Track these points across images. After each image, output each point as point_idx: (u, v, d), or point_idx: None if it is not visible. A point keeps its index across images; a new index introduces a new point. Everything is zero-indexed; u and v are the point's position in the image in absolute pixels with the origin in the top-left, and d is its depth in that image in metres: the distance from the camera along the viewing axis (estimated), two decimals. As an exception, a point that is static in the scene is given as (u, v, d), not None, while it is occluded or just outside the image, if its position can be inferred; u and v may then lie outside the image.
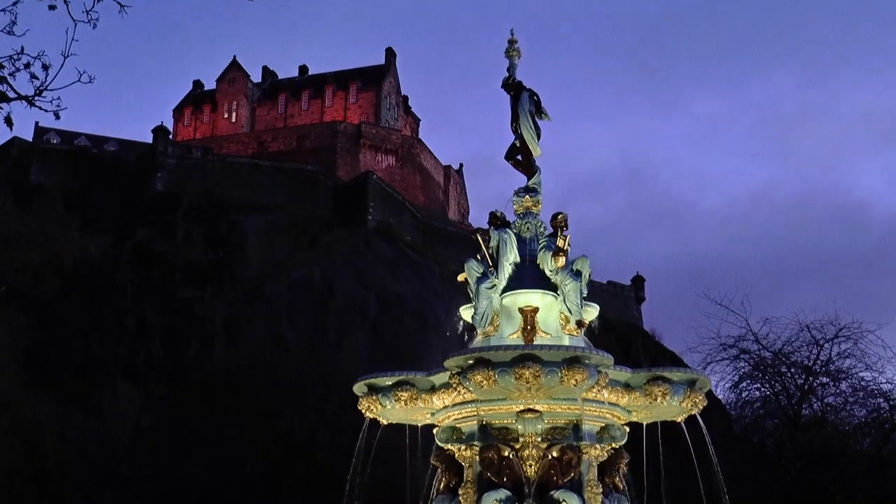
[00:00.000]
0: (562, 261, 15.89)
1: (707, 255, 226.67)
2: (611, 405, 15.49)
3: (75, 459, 48.07)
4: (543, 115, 17.22)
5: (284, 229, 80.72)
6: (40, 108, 10.17)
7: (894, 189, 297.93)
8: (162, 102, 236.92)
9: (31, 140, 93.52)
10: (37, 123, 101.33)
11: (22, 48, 10.02)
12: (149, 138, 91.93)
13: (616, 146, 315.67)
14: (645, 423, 16.54)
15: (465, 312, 16.65)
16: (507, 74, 17.27)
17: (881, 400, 38.85)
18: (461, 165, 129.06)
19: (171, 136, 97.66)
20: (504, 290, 16.05)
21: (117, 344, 64.24)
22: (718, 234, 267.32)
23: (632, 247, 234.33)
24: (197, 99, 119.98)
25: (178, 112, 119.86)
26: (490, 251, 16.32)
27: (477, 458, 15.26)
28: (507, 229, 16.42)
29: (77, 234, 71.89)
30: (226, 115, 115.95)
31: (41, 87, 10.02)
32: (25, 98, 10.10)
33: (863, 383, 38.90)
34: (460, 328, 17.09)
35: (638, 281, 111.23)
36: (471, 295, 16.25)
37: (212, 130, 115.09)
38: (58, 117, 10.36)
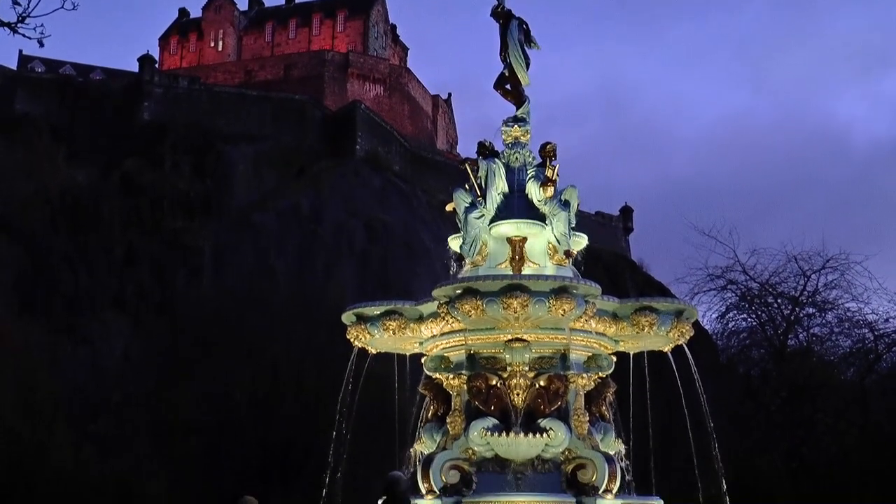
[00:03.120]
0: (550, 191, 15.87)
1: (689, 184, 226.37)
2: (598, 335, 15.58)
3: (66, 388, 48.28)
4: (532, 44, 17.09)
5: (272, 159, 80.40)
6: (23, 36, 10.01)
7: (875, 116, 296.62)
8: (147, 31, 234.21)
9: (14, 69, 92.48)
10: (20, 52, 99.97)
11: (3, -27, 9.85)
12: (135, 67, 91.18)
13: (591, 73, 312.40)
14: (632, 353, 16.66)
15: (454, 242, 16.65)
16: (496, 3, 17.09)
17: (866, 330, 39.13)
18: (449, 95, 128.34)
19: (157, 66, 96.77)
20: (492, 220, 16.04)
21: (106, 274, 64.28)
22: (699, 163, 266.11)
23: (612, 175, 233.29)
24: (183, 27, 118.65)
25: (163, 41, 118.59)
26: (478, 181, 16.27)
27: (465, 386, 15.36)
28: (496, 159, 16.36)
29: (64, 165, 71.50)
30: (212, 44, 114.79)
31: (24, 14, 9.86)
32: (8, 25, 9.94)
33: (848, 314, 39.16)
34: (449, 258, 17.11)
35: (626, 211, 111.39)
36: (459, 225, 16.24)
37: (198, 59, 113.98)
38: (41, 45, 10.21)
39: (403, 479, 13.65)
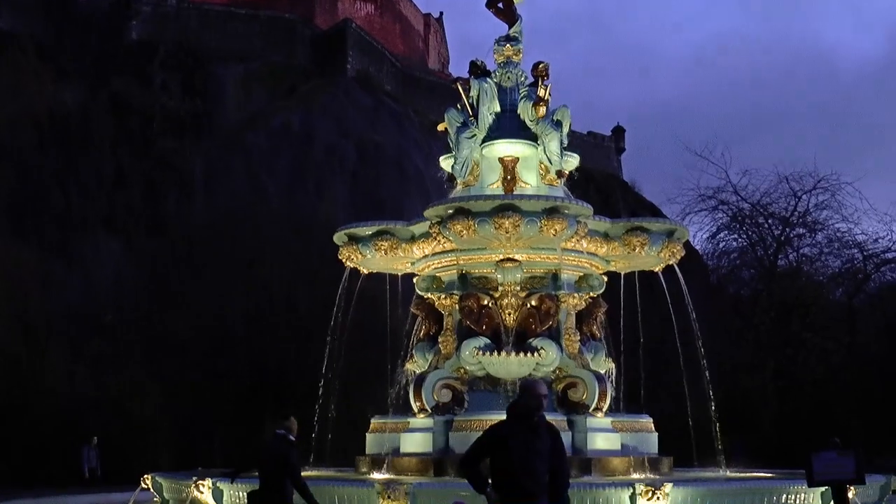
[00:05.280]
0: (542, 110, 15.81)
1: (680, 103, 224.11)
2: (589, 255, 15.64)
3: (59, 309, 48.28)
4: (525, -39, 16.91)
5: (262, 78, 79.69)
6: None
7: (861, 36, 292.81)
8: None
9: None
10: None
11: None
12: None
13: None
14: (623, 273, 16.74)
15: (445, 162, 16.62)
16: (488, -81, 16.88)
17: (855, 251, 39.42)
18: (441, 14, 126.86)
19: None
20: (484, 140, 16.00)
21: (96, 195, 63.94)
22: (689, 82, 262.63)
23: (604, 95, 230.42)
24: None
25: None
26: (470, 101, 16.21)
27: (457, 306, 15.46)
28: (488, 79, 16.28)
29: (51, 84, 70.72)
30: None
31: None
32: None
33: (838, 234, 39.42)
34: (441, 178, 17.08)
35: (618, 131, 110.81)
36: (451, 145, 16.21)
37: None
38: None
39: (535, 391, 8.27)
